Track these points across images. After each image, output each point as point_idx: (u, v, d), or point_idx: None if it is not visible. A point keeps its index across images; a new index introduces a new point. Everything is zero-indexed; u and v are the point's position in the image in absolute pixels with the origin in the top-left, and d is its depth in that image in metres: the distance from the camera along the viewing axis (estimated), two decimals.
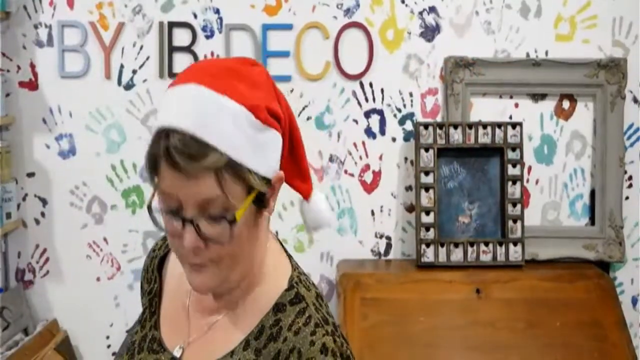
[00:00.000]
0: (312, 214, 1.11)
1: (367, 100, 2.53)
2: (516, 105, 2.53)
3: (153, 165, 0.93)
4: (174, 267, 1.13)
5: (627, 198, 2.54)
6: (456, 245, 2.44)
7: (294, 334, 0.98)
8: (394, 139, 2.54)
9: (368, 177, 2.55)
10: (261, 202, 0.99)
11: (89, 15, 2.51)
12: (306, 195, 1.10)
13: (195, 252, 0.95)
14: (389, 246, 2.57)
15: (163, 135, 0.91)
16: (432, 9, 2.51)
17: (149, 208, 0.96)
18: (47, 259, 2.57)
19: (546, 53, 2.51)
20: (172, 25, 2.51)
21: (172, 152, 0.89)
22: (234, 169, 0.92)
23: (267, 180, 0.97)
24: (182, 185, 0.91)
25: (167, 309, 1.12)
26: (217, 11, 2.51)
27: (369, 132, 2.54)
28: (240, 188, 0.94)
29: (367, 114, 2.54)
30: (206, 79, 0.94)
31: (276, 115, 0.99)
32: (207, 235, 0.94)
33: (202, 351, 1.05)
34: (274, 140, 0.99)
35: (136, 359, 1.10)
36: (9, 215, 2.46)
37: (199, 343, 1.06)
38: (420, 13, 2.51)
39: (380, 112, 2.53)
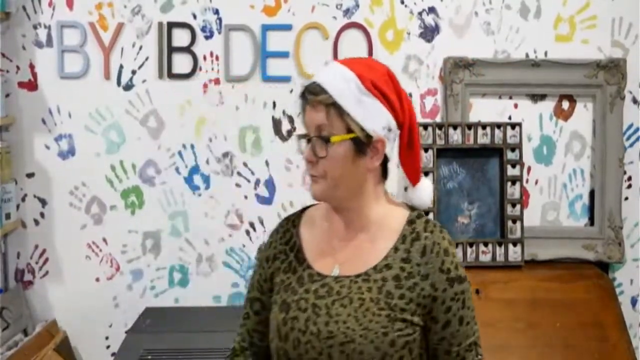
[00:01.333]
0: (416, 199, 1.49)
1: None
2: (515, 105, 2.53)
3: (300, 113, 1.41)
4: (308, 225, 1.51)
5: (626, 198, 2.54)
6: (455, 245, 2.44)
7: (430, 233, 1.41)
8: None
9: None
10: (359, 148, 1.36)
11: (89, 16, 2.51)
12: (414, 182, 1.48)
13: (312, 166, 1.38)
14: None
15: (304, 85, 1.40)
16: (432, 10, 2.51)
17: (298, 137, 1.43)
18: (46, 260, 2.57)
19: (545, 54, 2.51)
20: (171, 25, 2.50)
21: (305, 91, 1.38)
22: (337, 109, 1.34)
23: (368, 135, 1.35)
24: (308, 114, 1.37)
25: (312, 253, 1.46)
26: (217, 12, 2.51)
27: None
28: (340, 125, 1.35)
29: None
30: (343, 60, 1.41)
31: (380, 90, 1.37)
32: (316, 151, 1.36)
33: (356, 265, 1.41)
34: (374, 105, 1.37)
35: (300, 292, 1.41)
36: (8, 216, 2.45)
37: (350, 261, 1.42)
38: (420, 14, 2.52)
39: None
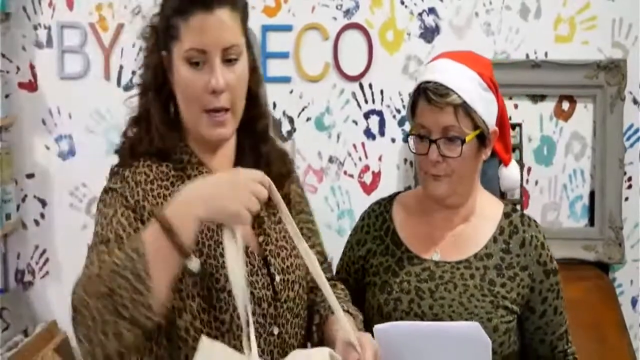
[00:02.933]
0: (507, 177, 1.60)
1: (366, 101, 2.53)
2: (516, 106, 2.53)
3: (412, 108, 1.45)
4: (401, 210, 1.56)
5: (626, 199, 2.54)
6: None
7: (527, 226, 1.50)
8: (393, 140, 2.54)
9: (367, 178, 2.55)
10: (482, 142, 1.44)
11: (89, 17, 2.50)
12: (506, 162, 1.58)
13: (435, 165, 1.40)
14: None
15: (422, 85, 1.41)
16: (432, 10, 2.51)
17: (407, 137, 1.50)
18: (46, 260, 2.57)
19: (546, 54, 2.51)
20: None
21: (428, 92, 1.38)
22: (465, 108, 1.39)
23: (487, 128, 1.43)
24: (431, 115, 1.40)
25: (409, 237, 1.52)
26: None
27: (368, 133, 2.54)
28: (469, 123, 1.40)
29: (367, 115, 2.54)
30: (451, 56, 1.46)
31: (495, 85, 1.46)
32: (444, 152, 1.39)
33: (456, 251, 1.48)
34: (492, 101, 1.45)
35: (401, 274, 1.47)
36: (8, 217, 2.45)
37: (450, 247, 1.49)
38: (420, 14, 2.52)
39: (379, 113, 2.53)
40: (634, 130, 2.53)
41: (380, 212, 1.58)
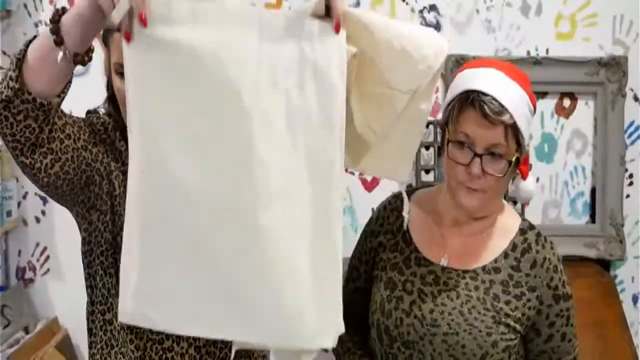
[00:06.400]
0: (523, 189, 1.53)
1: None
2: None
3: (451, 114, 1.40)
4: (417, 208, 1.54)
5: (627, 196, 2.54)
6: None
7: (542, 247, 1.46)
8: None
9: (368, 176, 2.55)
10: (517, 162, 1.41)
11: None
12: (524, 175, 1.52)
13: (473, 179, 1.37)
14: None
15: (474, 94, 1.34)
16: (433, 7, 2.51)
17: (448, 143, 1.39)
18: (47, 257, 2.57)
19: (547, 51, 2.51)
20: None
21: (484, 105, 1.32)
22: (514, 129, 1.36)
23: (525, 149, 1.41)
24: (481, 129, 1.34)
25: (420, 237, 1.49)
26: None
27: None
28: (514, 144, 1.38)
29: None
30: (500, 67, 1.39)
31: (536, 108, 1.43)
32: (487, 168, 1.36)
33: (465, 259, 1.45)
34: (532, 122, 1.43)
35: (407, 273, 1.45)
36: (9, 214, 2.45)
37: (459, 254, 1.46)
38: (421, 11, 2.51)
39: None
40: (635, 127, 2.53)
41: (396, 206, 1.56)
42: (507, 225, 1.50)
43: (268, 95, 1.17)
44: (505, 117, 1.34)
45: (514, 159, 1.38)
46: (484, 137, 1.35)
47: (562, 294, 1.45)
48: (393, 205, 1.57)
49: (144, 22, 1.10)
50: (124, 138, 1.46)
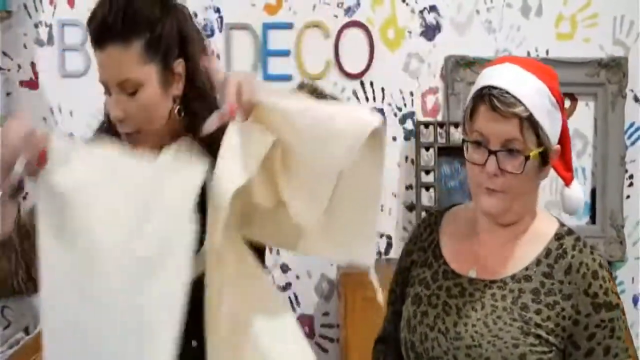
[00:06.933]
0: (570, 197, 1.45)
1: (367, 99, 2.53)
2: None
3: (470, 112, 1.32)
4: (450, 222, 1.48)
5: (628, 197, 2.54)
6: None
7: (579, 251, 1.33)
8: (394, 138, 2.54)
9: None
10: (544, 160, 1.31)
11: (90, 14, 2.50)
12: (567, 181, 1.44)
13: (492, 178, 1.29)
14: (389, 245, 2.57)
15: (486, 90, 1.28)
16: (433, 8, 2.51)
17: (463, 142, 1.34)
18: None
19: (547, 52, 2.51)
20: None
21: (493, 98, 1.26)
22: (532, 122, 1.26)
23: (550, 146, 1.30)
24: (493, 124, 1.27)
25: (450, 251, 1.44)
26: (218, 10, 2.51)
27: None
28: (534, 139, 1.27)
29: None
30: (517, 62, 1.33)
31: (562, 103, 1.34)
32: (504, 166, 1.27)
33: (495, 268, 1.37)
34: (558, 119, 1.32)
35: (433, 287, 1.40)
36: None
37: (489, 263, 1.38)
38: (421, 12, 2.51)
39: (380, 111, 2.53)
40: (635, 128, 2.53)
41: (430, 222, 1.51)
42: (541, 231, 1.39)
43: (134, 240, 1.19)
44: (519, 109, 1.26)
45: (532, 154, 1.28)
46: (498, 132, 1.28)
47: (604, 303, 1.31)
48: (427, 222, 1.52)
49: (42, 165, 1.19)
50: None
